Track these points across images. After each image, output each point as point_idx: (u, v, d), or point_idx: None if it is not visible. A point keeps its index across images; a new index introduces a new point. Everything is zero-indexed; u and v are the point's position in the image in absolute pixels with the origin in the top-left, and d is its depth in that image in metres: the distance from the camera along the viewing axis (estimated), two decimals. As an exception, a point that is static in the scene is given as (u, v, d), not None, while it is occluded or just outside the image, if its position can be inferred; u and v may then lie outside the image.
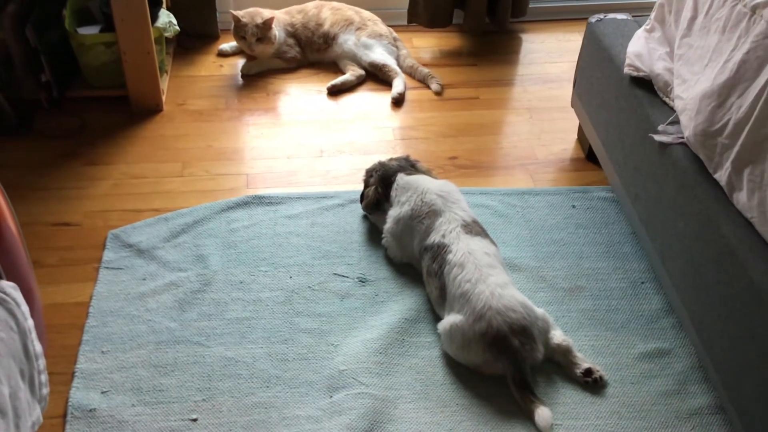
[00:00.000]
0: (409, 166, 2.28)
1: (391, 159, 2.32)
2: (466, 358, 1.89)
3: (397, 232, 2.16)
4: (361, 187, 2.34)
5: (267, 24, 2.92)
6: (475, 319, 1.84)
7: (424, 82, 2.99)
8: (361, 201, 2.31)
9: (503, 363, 1.82)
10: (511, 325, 1.82)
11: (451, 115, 2.84)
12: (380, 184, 2.23)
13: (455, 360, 1.92)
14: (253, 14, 2.93)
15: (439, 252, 2.00)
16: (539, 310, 1.90)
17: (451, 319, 1.90)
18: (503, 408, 1.82)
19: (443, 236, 2.02)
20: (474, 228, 2.05)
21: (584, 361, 1.89)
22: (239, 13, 2.92)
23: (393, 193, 2.21)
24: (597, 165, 2.56)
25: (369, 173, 2.31)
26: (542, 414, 1.75)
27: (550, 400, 1.83)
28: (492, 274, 1.91)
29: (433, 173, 2.32)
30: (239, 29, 2.93)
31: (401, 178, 2.21)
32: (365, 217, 2.34)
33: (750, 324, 1.60)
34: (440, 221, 2.06)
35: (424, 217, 2.09)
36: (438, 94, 2.93)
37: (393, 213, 2.18)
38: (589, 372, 1.87)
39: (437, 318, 2.00)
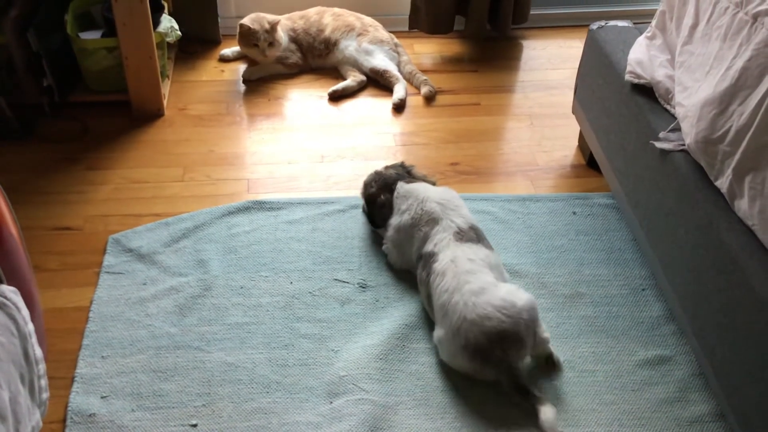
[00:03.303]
0: (405, 173, 2.27)
1: (387, 167, 2.30)
2: (458, 367, 1.89)
3: (397, 240, 2.16)
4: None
5: (274, 27, 2.93)
6: (453, 334, 1.84)
7: (417, 86, 2.99)
8: (370, 220, 2.28)
9: (490, 371, 1.82)
10: (488, 335, 1.79)
11: (453, 121, 2.85)
12: (384, 192, 2.22)
13: (454, 366, 1.92)
14: (258, 20, 2.93)
15: (428, 261, 2.00)
16: (523, 300, 1.83)
17: (437, 333, 1.91)
18: (504, 414, 1.81)
19: (435, 245, 2.01)
20: (467, 234, 2.02)
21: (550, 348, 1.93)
22: (247, 22, 2.92)
23: (393, 202, 2.20)
24: (598, 171, 2.56)
25: (368, 186, 2.28)
26: (546, 413, 1.74)
27: (550, 407, 1.83)
28: (469, 281, 1.87)
29: (429, 178, 2.32)
30: (250, 37, 2.91)
31: (401, 187, 2.20)
32: (367, 222, 2.33)
33: (751, 331, 1.60)
34: (437, 229, 2.05)
35: (423, 225, 2.09)
36: (427, 98, 2.93)
37: (393, 221, 2.17)
38: (549, 357, 1.91)
39: (434, 324, 2.00)
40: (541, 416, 1.74)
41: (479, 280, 1.88)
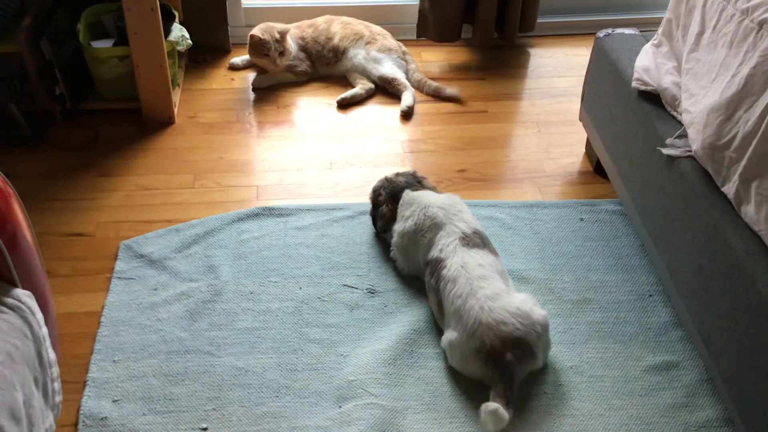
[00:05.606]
0: (416, 182, 2.27)
1: (397, 174, 2.31)
2: (468, 372, 1.90)
3: (403, 246, 2.17)
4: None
5: (283, 36, 2.95)
6: (468, 337, 1.84)
7: (436, 94, 3.00)
8: (374, 223, 2.31)
9: (500, 376, 1.82)
10: (503, 340, 1.81)
11: (460, 129, 2.86)
12: (390, 201, 2.24)
13: (463, 371, 1.92)
14: (268, 30, 2.95)
15: (436, 267, 2.00)
16: (538, 315, 1.87)
17: (448, 336, 1.91)
18: (512, 420, 1.81)
19: (441, 251, 2.02)
20: (473, 239, 2.03)
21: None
22: (257, 33, 2.94)
23: (399, 209, 2.22)
24: (605, 178, 2.57)
25: (377, 192, 2.30)
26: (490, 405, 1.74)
27: (559, 413, 1.84)
28: (483, 286, 1.89)
29: (438, 190, 2.32)
30: (261, 47, 2.94)
31: (407, 194, 2.22)
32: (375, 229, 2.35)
33: (758, 336, 1.61)
34: (440, 234, 2.06)
35: (426, 230, 2.10)
36: (457, 100, 2.97)
37: (398, 228, 2.19)
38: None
39: (442, 330, 2.01)
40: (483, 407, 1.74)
41: (492, 286, 1.90)
